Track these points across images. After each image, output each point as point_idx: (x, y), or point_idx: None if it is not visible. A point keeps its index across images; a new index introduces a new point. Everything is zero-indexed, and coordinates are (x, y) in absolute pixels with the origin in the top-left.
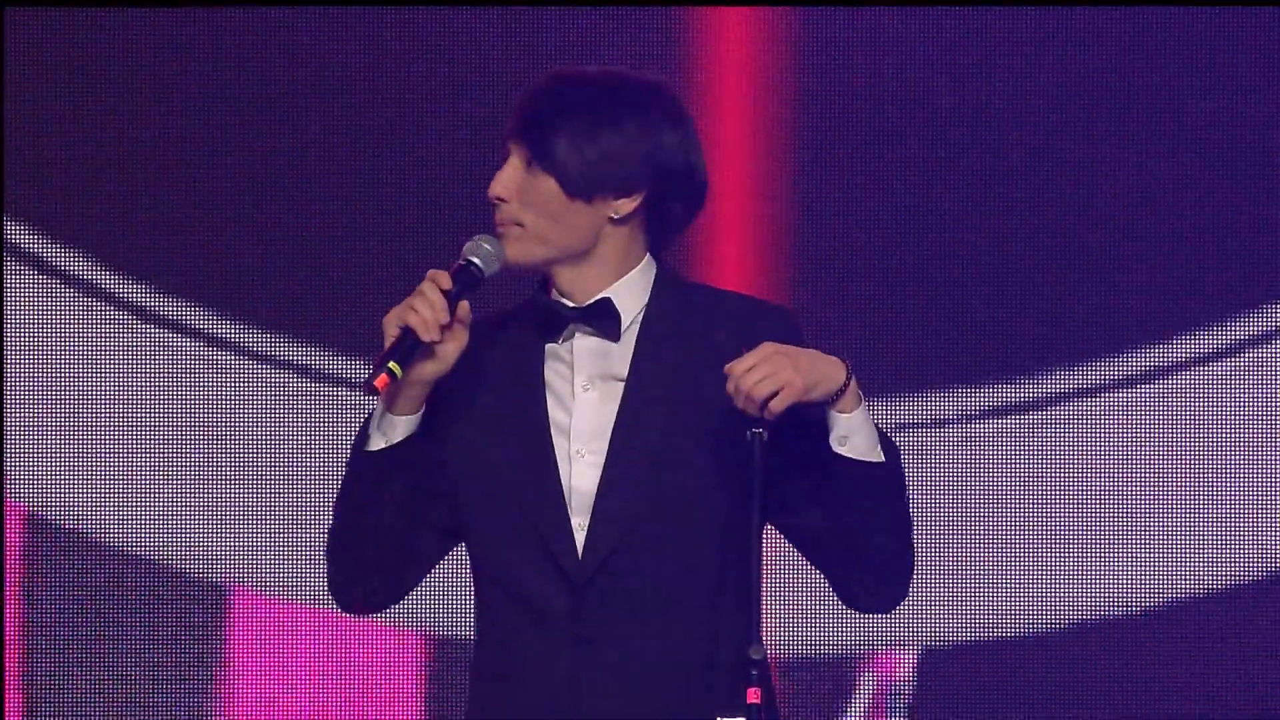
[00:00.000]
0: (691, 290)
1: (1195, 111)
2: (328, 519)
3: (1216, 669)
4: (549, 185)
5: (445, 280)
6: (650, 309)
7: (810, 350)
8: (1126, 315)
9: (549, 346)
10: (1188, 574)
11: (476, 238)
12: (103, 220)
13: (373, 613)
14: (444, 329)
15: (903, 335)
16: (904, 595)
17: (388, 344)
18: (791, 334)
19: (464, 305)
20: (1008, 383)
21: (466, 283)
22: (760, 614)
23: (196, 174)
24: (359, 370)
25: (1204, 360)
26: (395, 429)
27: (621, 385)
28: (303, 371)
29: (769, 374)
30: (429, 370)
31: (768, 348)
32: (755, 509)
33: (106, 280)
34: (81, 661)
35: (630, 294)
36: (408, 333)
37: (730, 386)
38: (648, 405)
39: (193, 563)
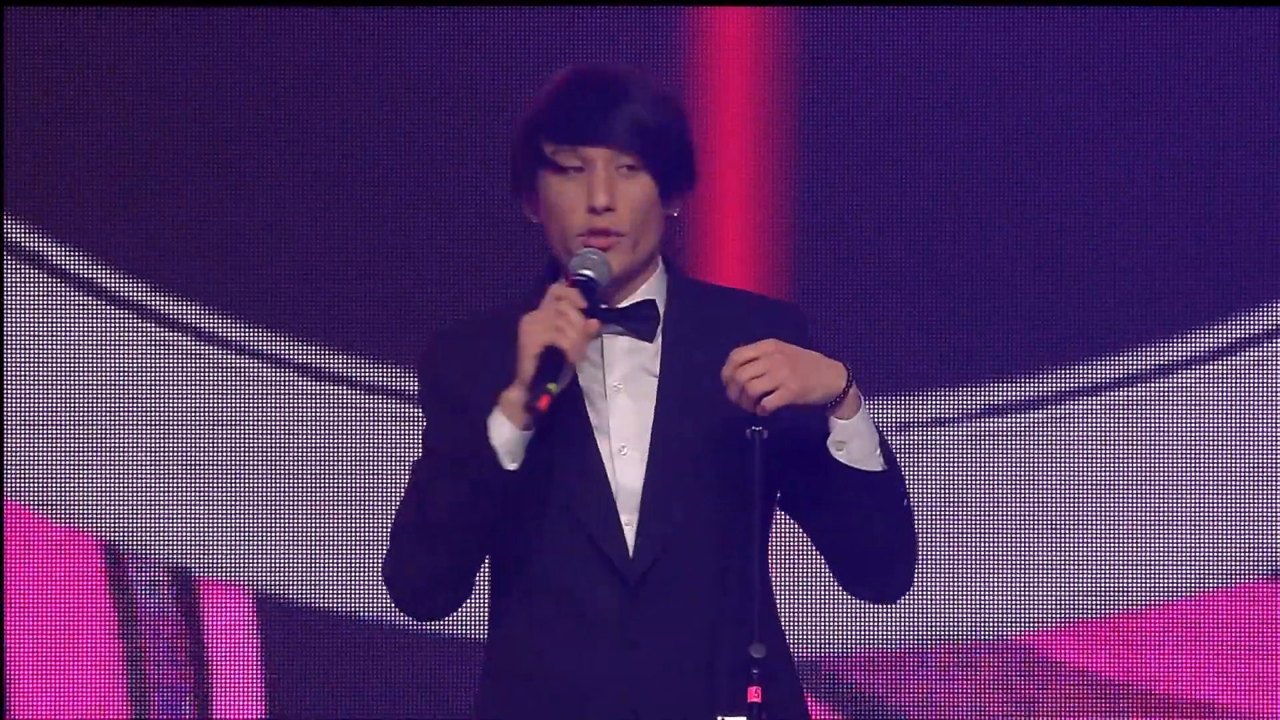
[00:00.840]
0: (704, 289)
1: (1201, 107)
2: (333, 510)
3: (1223, 660)
4: (646, 189)
5: (579, 299)
6: (671, 308)
7: (813, 353)
8: (1132, 310)
9: None
10: (1194, 565)
11: (583, 251)
12: (102, 219)
13: (445, 616)
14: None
15: (907, 332)
16: (905, 590)
17: (529, 365)
18: (800, 331)
19: (593, 323)
20: (1013, 378)
21: (589, 299)
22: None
23: (196, 173)
24: (361, 366)
25: (1210, 355)
26: (520, 447)
27: (653, 382)
28: (304, 370)
29: (766, 371)
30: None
31: (769, 345)
32: (756, 508)
33: (106, 278)
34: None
35: (659, 294)
36: (553, 353)
37: (726, 373)
38: (681, 402)
39: (197, 553)
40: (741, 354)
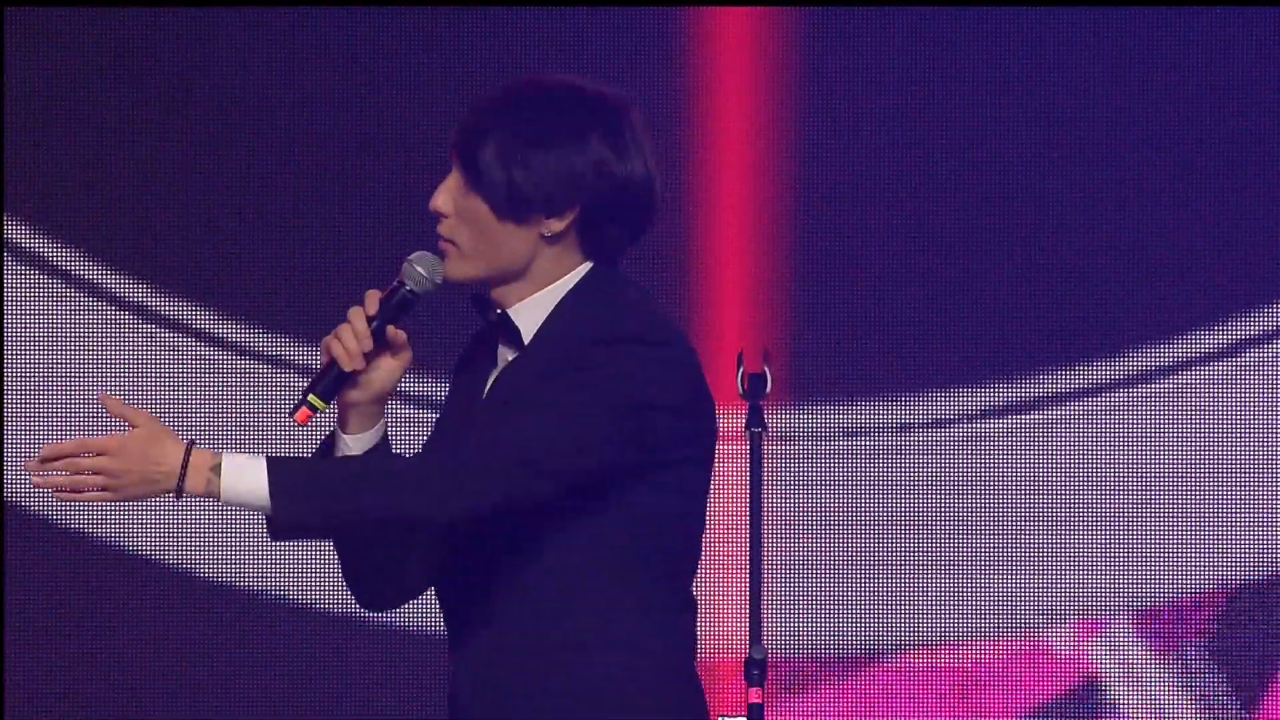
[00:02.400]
0: (604, 302)
1: (1204, 110)
2: None
3: (1224, 665)
4: (481, 206)
5: (373, 304)
6: (547, 321)
7: (142, 465)
8: (1134, 314)
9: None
10: (1196, 571)
11: (411, 257)
12: (102, 219)
13: (392, 608)
14: (369, 356)
15: (909, 335)
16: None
17: (319, 370)
18: (601, 337)
19: (394, 330)
20: (1016, 381)
21: (399, 305)
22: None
23: (196, 173)
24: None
25: (1212, 358)
26: (349, 449)
27: None
28: (307, 372)
29: (73, 486)
30: (362, 396)
31: (100, 462)
32: (753, 507)
33: (106, 279)
34: (76, 662)
35: (538, 306)
36: (333, 363)
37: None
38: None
39: (199, 560)
40: (63, 449)
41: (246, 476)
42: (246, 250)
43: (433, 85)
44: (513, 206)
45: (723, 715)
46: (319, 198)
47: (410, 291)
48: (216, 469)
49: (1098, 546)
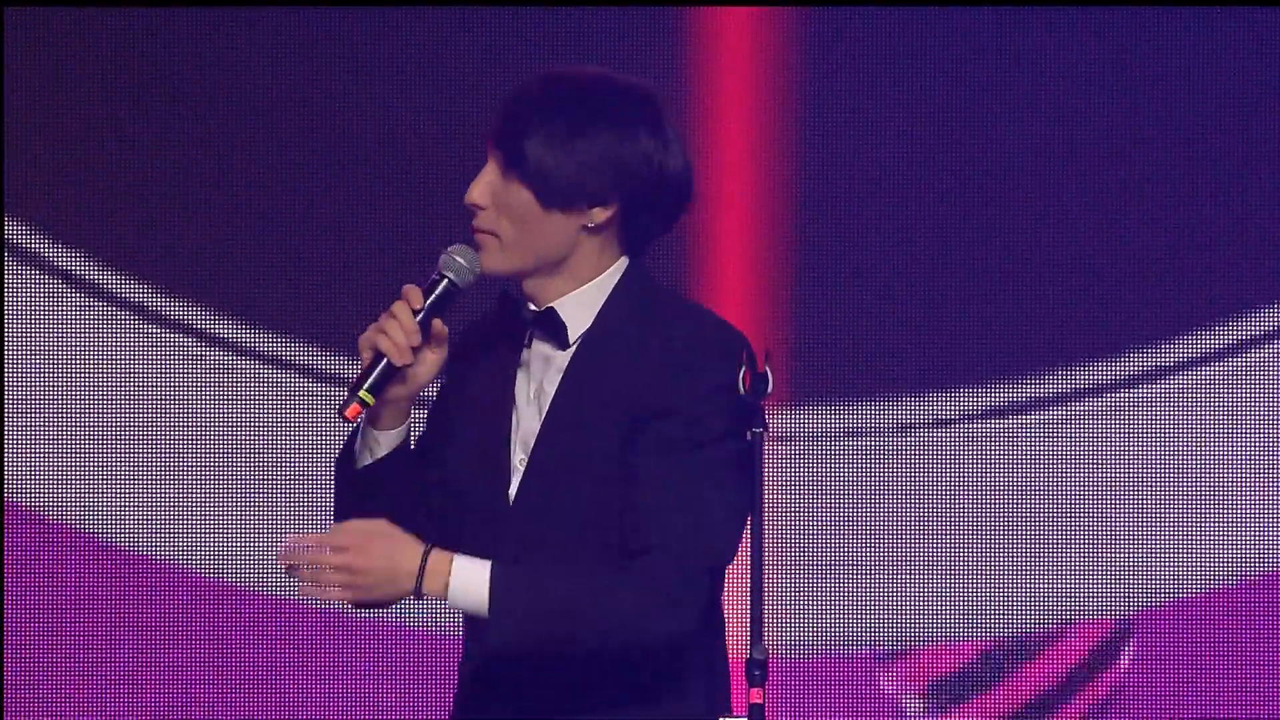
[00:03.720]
0: (650, 301)
1: (1211, 109)
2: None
3: (1231, 667)
4: (524, 195)
5: (416, 299)
6: (598, 322)
7: (384, 564)
8: (1141, 314)
9: (524, 353)
10: (1201, 573)
11: (451, 250)
12: (102, 220)
13: (377, 611)
14: (416, 350)
15: (912, 336)
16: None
17: (363, 367)
18: (722, 363)
19: (437, 324)
20: (1022, 382)
21: (441, 298)
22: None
23: (200, 174)
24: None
25: (1219, 357)
26: (380, 445)
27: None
28: (311, 373)
29: (317, 580)
30: (404, 391)
31: (341, 558)
32: (758, 509)
33: (108, 280)
34: (83, 665)
35: (582, 303)
36: (380, 357)
37: (302, 554)
38: (567, 421)
39: (208, 564)
40: (323, 541)
41: (472, 592)
42: (251, 252)
43: (435, 85)
44: (558, 195)
45: (723, 715)
46: (325, 199)
47: (452, 283)
48: (449, 571)
49: (1105, 547)
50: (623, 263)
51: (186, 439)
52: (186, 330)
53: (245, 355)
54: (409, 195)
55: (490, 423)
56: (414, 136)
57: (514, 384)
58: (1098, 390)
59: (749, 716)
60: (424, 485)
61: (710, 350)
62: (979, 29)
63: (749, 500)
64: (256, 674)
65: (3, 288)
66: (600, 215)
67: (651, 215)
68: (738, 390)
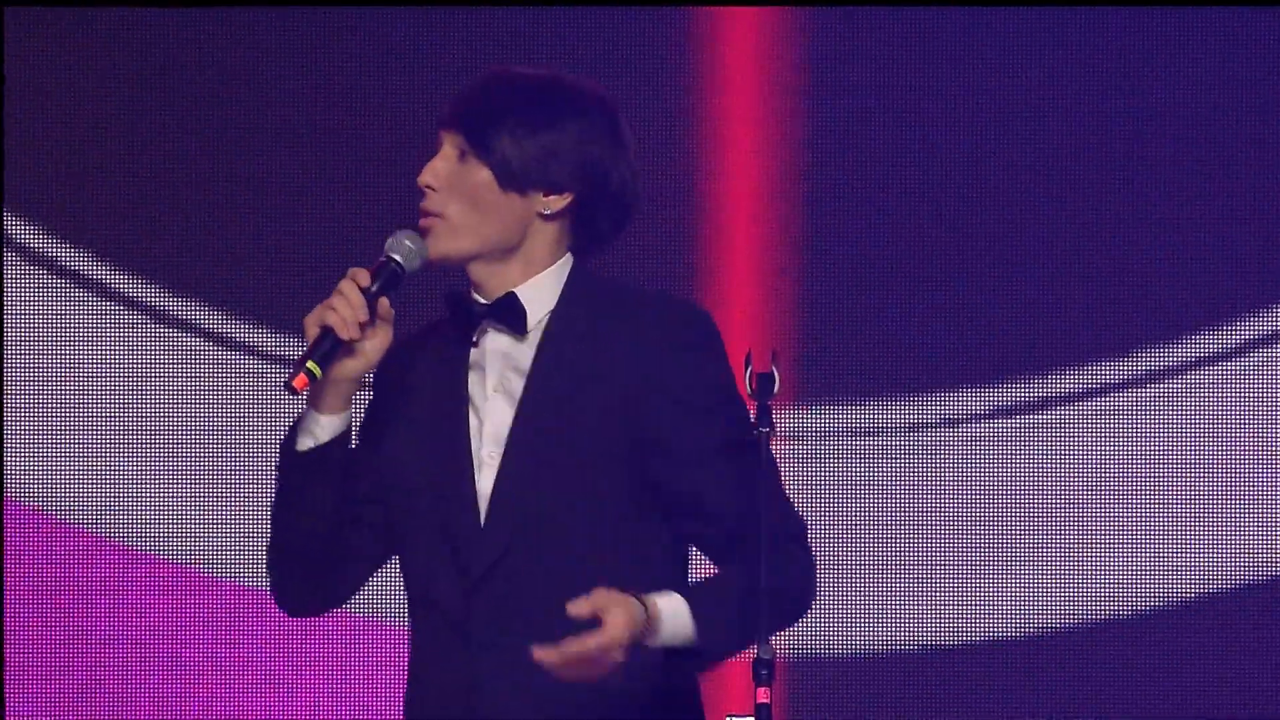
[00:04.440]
0: (607, 288)
1: (1201, 111)
2: None
3: (1221, 668)
4: (482, 175)
5: (364, 278)
6: (559, 307)
7: (632, 637)
8: (1132, 315)
9: (472, 352)
10: (1192, 572)
11: (398, 233)
12: (103, 219)
13: (316, 614)
14: (363, 327)
15: (910, 335)
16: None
17: (309, 343)
18: (702, 340)
19: (384, 302)
20: (1013, 382)
21: (388, 279)
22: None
23: (193, 170)
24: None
25: (1210, 360)
26: (322, 428)
27: (521, 384)
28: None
29: (595, 671)
30: (351, 368)
31: (606, 655)
32: (763, 508)
33: (103, 275)
34: (74, 662)
35: (541, 291)
36: (327, 332)
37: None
38: (545, 407)
39: (197, 559)
40: (584, 651)
41: (680, 627)
42: (244, 246)
43: (438, 84)
44: (518, 176)
45: (730, 715)
46: (317, 193)
47: (399, 265)
48: (659, 616)
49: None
50: (568, 258)
51: (175, 433)
52: (175, 324)
53: (234, 349)
54: (402, 191)
55: (442, 422)
56: (413, 136)
57: (464, 383)
58: (1125, 385)
59: (756, 716)
60: (354, 494)
61: (698, 325)
62: (988, 29)
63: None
64: (246, 669)
65: (2, 285)
66: (556, 203)
67: (602, 214)
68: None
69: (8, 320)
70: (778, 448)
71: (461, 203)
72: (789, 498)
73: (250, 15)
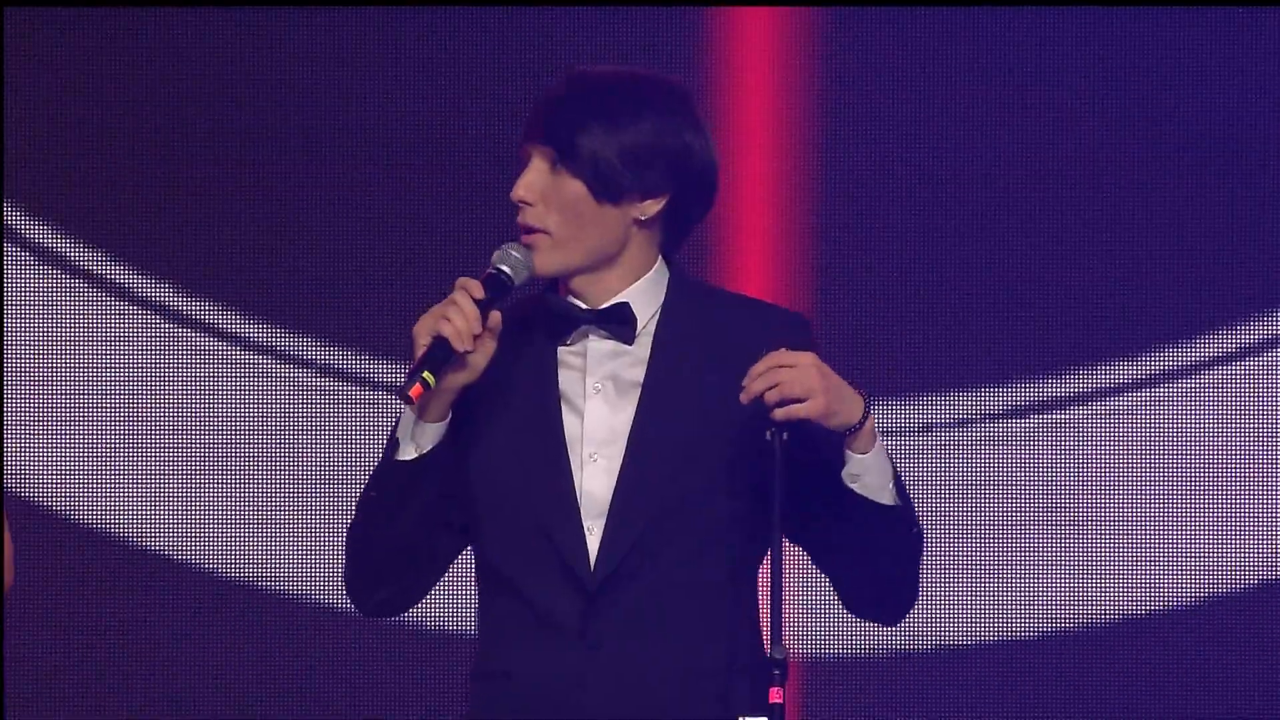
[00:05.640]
0: (706, 293)
1: (1206, 112)
2: (334, 514)
3: (1223, 666)
4: (576, 187)
5: (478, 289)
6: (665, 312)
7: (840, 380)
8: (1136, 315)
9: (560, 349)
10: (1195, 570)
11: (506, 245)
12: (102, 217)
13: (393, 615)
14: (476, 338)
15: (919, 335)
16: (904, 615)
17: (419, 352)
18: (805, 341)
19: (495, 315)
20: (1018, 382)
21: (496, 291)
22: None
23: (195, 167)
24: (366, 365)
25: (1213, 360)
26: (426, 437)
27: (636, 389)
28: (306, 365)
29: (799, 380)
30: (460, 379)
31: (809, 357)
32: (776, 508)
33: (105, 272)
34: (77, 661)
35: (645, 297)
36: (441, 342)
37: (758, 369)
38: (664, 409)
39: (200, 558)
40: (780, 357)
41: (884, 463)
42: (247, 243)
43: (445, 84)
44: (613, 186)
45: (742, 715)
46: (320, 191)
47: (508, 278)
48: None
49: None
50: (663, 263)
51: (178, 431)
52: (178, 321)
53: (238, 346)
54: (406, 191)
55: (538, 420)
56: (418, 135)
57: (554, 383)
58: (1129, 386)
59: (769, 716)
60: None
61: (800, 331)
62: (1001, 30)
63: None
64: (249, 669)
65: (2, 282)
66: (652, 208)
67: (693, 210)
68: None
69: (8, 316)
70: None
71: (562, 216)
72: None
73: (253, 15)
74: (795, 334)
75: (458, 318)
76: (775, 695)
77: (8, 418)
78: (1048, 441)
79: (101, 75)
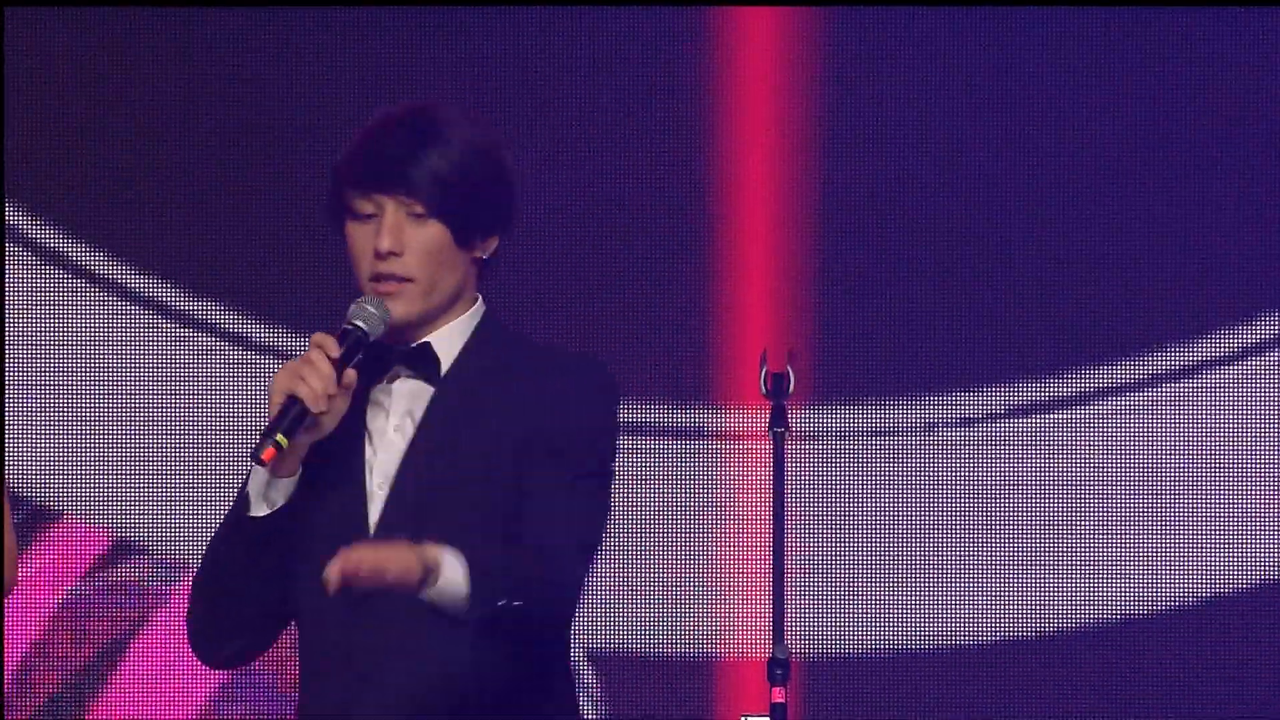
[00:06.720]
0: (509, 338)
1: (1223, 109)
2: None
3: (1243, 665)
4: (439, 234)
5: (333, 347)
6: (464, 355)
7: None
8: (1153, 312)
9: (372, 390)
10: (1214, 568)
11: (361, 300)
12: (101, 216)
13: (240, 666)
14: (330, 398)
15: (929, 333)
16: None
17: (273, 411)
18: (596, 388)
19: (349, 373)
20: (1035, 380)
21: (353, 348)
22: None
23: (208, 168)
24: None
25: (1231, 357)
26: (278, 492)
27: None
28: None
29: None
30: (309, 439)
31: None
32: (779, 507)
33: (118, 273)
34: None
35: (452, 337)
36: (294, 402)
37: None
38: (434, 447)
39: (180, 553)
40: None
41: (454, 580)
42: (259, 245)
43: (456, 84)
44: (474, 230)
45: (745, 715)
46: (323, 191)
47: (364, 333)
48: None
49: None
50: (480, 303)
51: (197, 431)
52: (194, 323)
53: (252, 348)
54: None
55: (340, 455)
56: None
57: (363, 417)
58: (1147, 383)
59: (771, 715)
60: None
61: (588, 375)
62: (1007, 30)
63: (598, 538)
64: (256, 666)
65: (3, 280)
66: (492, 244)
67: (503, 239)
68: (615, 421)
69: (25, 317)
70: (796, 447)
71: (429, 263)
72: (598, 528)
73: (255, 15)
74: (587, 377)
75: (313, 378)
76: (777, 695)
77: (24, 417)
78: (1064, 440)
79: (101, 75)
